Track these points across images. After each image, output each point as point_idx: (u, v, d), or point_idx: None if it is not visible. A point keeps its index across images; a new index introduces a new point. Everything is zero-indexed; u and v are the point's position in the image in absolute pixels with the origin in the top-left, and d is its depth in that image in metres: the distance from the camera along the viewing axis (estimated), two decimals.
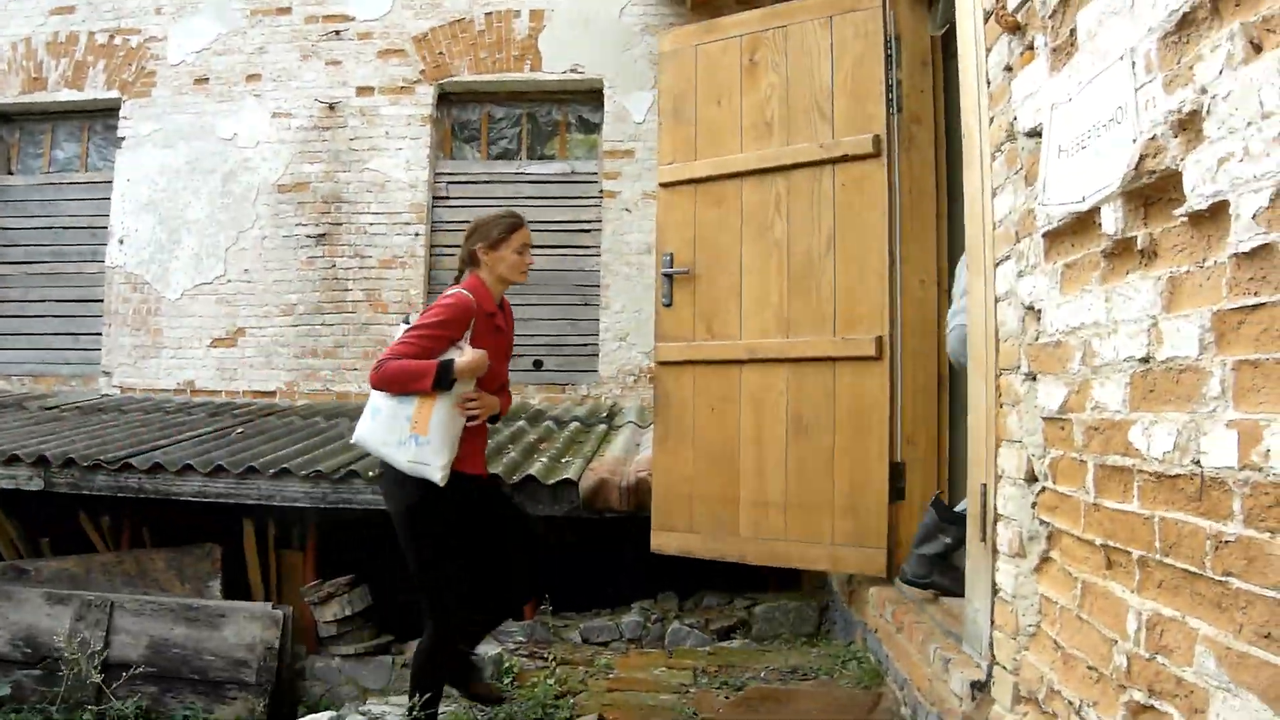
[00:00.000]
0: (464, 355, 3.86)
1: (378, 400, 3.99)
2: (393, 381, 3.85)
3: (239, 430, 8.11)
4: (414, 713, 3.92)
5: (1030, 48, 2.76)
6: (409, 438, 3.87)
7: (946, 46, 4.79)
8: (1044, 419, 2.64)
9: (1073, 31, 2.44)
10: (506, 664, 5.44)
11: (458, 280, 4.27)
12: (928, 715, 3.64)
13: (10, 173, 10.95)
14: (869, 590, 4.79)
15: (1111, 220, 2.19)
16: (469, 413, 3.96)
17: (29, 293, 10.66)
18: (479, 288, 4.11)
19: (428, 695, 4.01)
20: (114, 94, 10.40)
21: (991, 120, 3.15)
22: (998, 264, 3.07)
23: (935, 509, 4.19)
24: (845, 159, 4.87)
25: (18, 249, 10.71)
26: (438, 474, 3.83)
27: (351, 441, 4.28)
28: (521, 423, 8.07)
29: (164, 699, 6.65)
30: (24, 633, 7.13)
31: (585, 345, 9.27)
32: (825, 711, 4.31)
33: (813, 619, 6.16)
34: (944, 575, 4.14)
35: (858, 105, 4.88)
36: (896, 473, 4.68)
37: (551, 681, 4.99)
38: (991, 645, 3.08)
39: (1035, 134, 2.68)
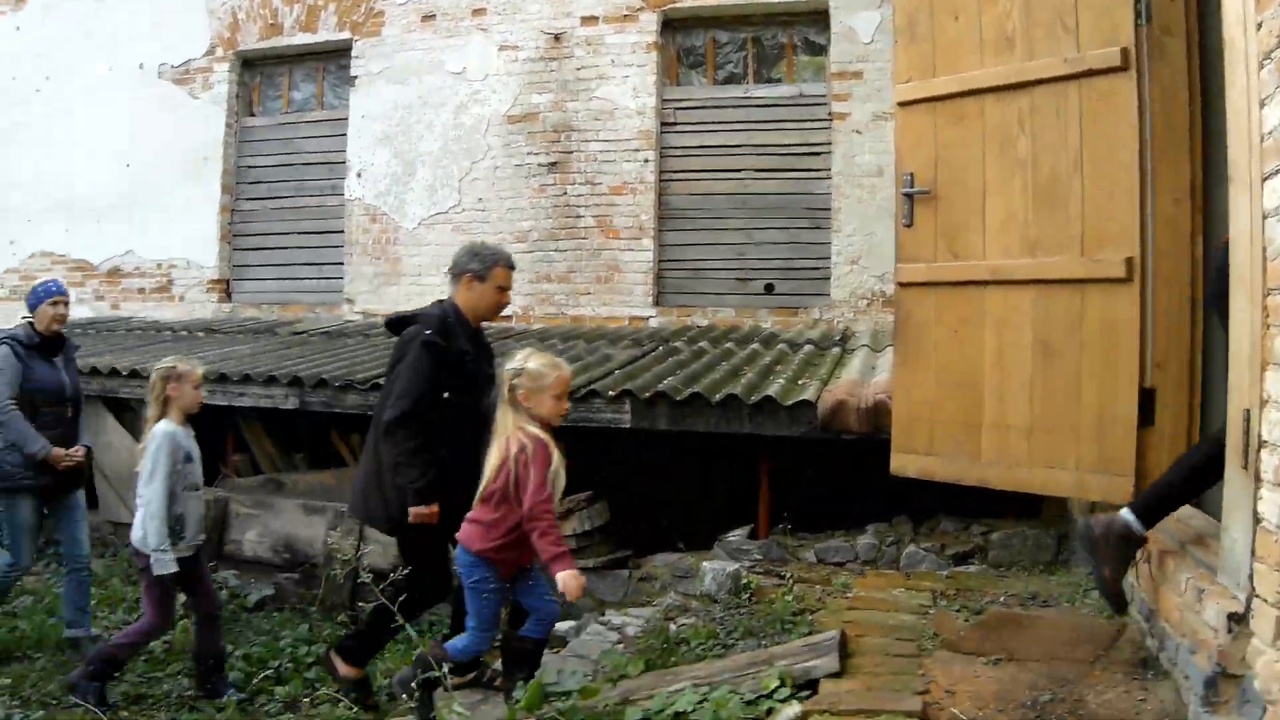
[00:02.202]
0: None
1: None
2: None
3: None
4: None
5: None
6: None
7: None
8: None
9: None
10: (744, 580, 5.55)
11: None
12: (1177, 647, 3.55)
13: (252, 114, 11.61)
14: None
15: None
16: None
17: (274, 226, 11.35)
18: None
19: None
20: (345, 35, 10.86)
21: (1259, 26, 2.99)
22: (1265, 179, 2.92)
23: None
24: (1091, 73, 4.66)
25: (262, 185, 11.39)
26: None
27: None
28: (755, 345, 8.13)
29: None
30: (283, 539, 7.67)
31: (816, 269, 9.24)
32: (1067, 638, 4.26)
33: (1051, 547, 6.05)
34: None
35: (1103, 16, 4.65)
36: (1146, 398, 4.52)
37: (789, 598, 5.07)
38: (1251, 577, 2.98)
39: None
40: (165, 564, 5.33)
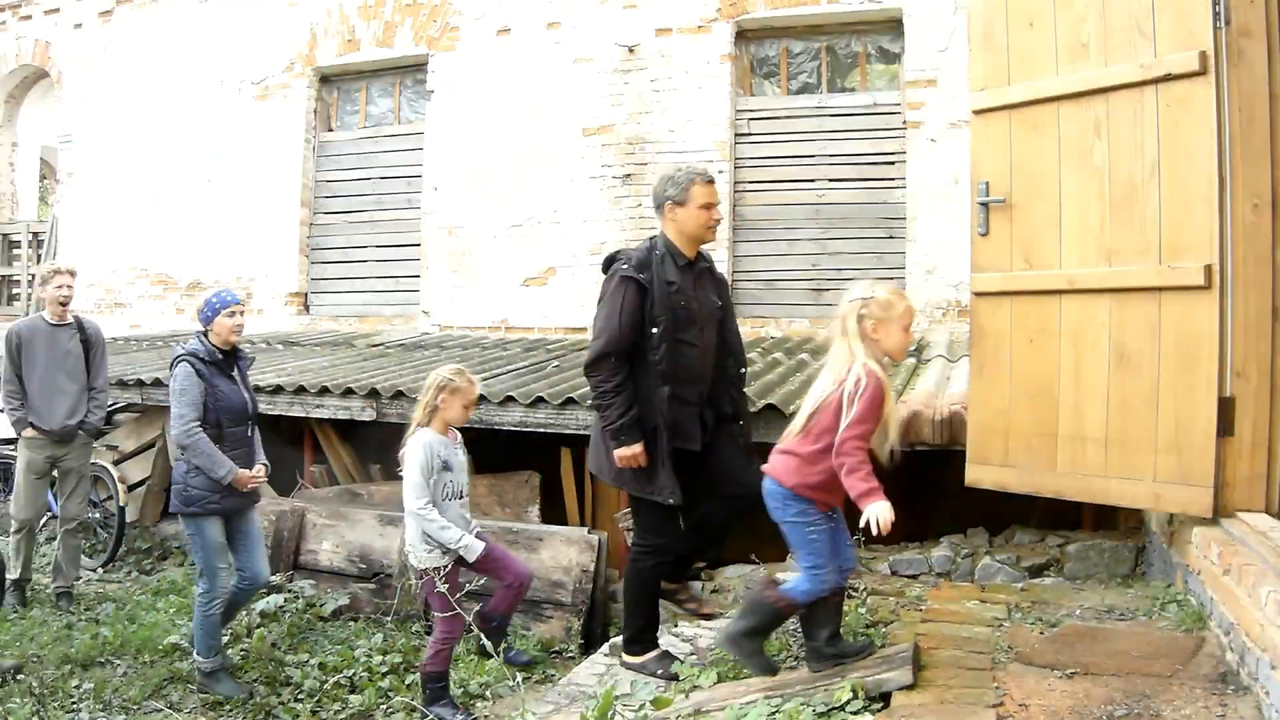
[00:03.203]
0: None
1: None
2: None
3: (554, 364, 8.49)
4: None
5: None
6: None
7: None
8: None
9: None
10: None
11: None
12: (1258, 661, 3.49)
13: (330, 129, 11.84)
14: (1192, 530, 4.59)
15: None
16: None
17: (352, 239, 11.58)
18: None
19: None
20: (422, 50, 11.06)
21: None
22: None
23: None
24: (1168, 78, 4.61)
25: (339, 200, 11.62)
26: None
27: None
28: None
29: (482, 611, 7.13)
30: (359, 550, 7.79)
31: (891, 278, 9.14)
32: (1144, 652, 4.19)
33: (1128, 559, 5.95)
34: None
35: (1180, 20, 4.59)
36: (1225, 408, 4.44)
37: (863, 610, 5.05)
38: None
39: None
40: (473, 549, 5.50)
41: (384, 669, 6.32)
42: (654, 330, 4.79)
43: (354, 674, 6.24)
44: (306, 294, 11.72)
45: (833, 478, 3.96)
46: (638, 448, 4.77)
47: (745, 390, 5.42)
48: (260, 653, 6.50)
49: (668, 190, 5.00)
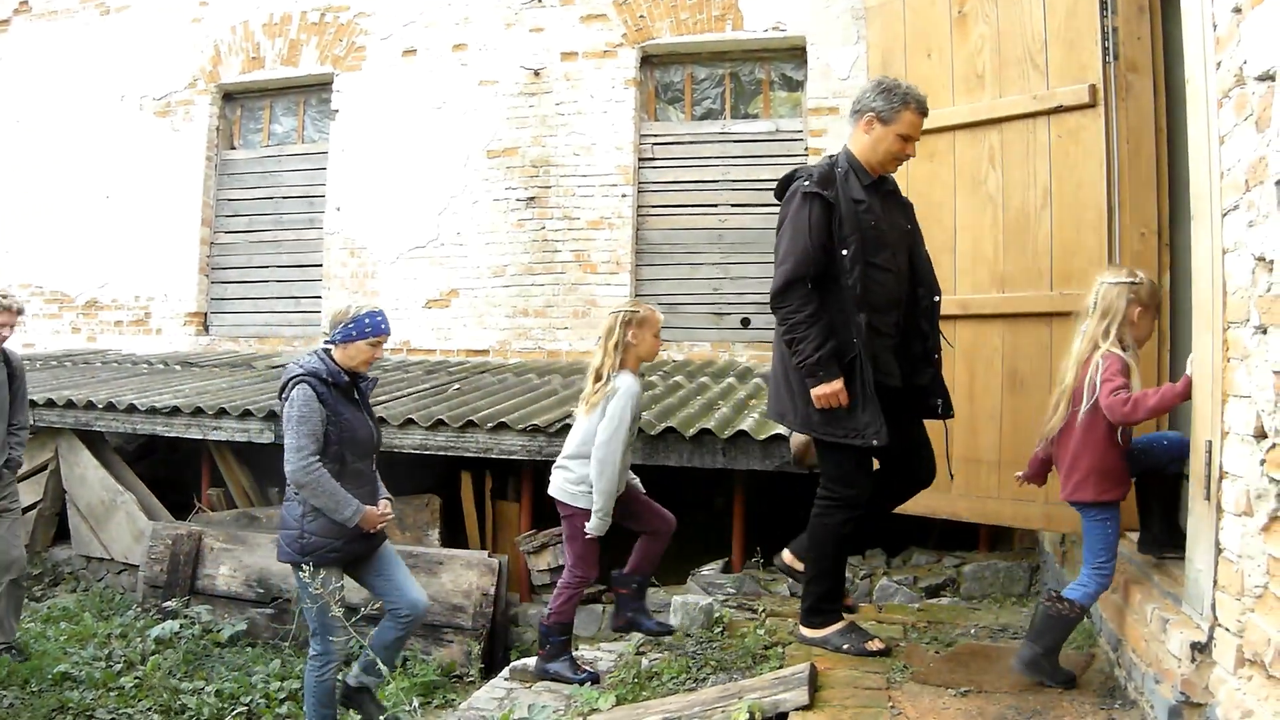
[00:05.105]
0: None
1: None
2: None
3: (456, 387, 8.43)
4: None
5: None
6: None
7: None
8: (1275, 372, 2.56)
9: None
10: (717, 614, 5.56)
11: None
12: (1143, 676, 3.57)
13: (233, 147, 11.64)
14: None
15: None
16: None
17: (253, 259, 11.38)
18: None
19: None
20: (327, 69, 10.94)
21: (1219, 65, 3.04)
22: (1225, 214, 2.97)
23: None
24: (1060, 110, 4.75)
25: (241, 219, 11.43)
26: None
27: None
28: (730, 380, 8.15)
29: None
30: (256, 575, 7.65)
31: None
32: None
33: (1023, 579, 6.08)
34: None
35: (1072, 55, 4.74)
36: None
37: (761, 632, 5.07)
38: (1214, 606, 3.01)
39: (1268, 77, 2.59)
40: (601, 527, 5.07)
41: (282, 695, 6.21)
42: (844, 252, 4.28)
43: (251, 701, 6.12)
44: (206, 314, 11.49)
45: (1116, 461, 3.87)
46: (838, 384, 4.22)
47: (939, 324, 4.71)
48: (155, 681, 6.33)
49: (876, 101, 4.43)
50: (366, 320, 5.04)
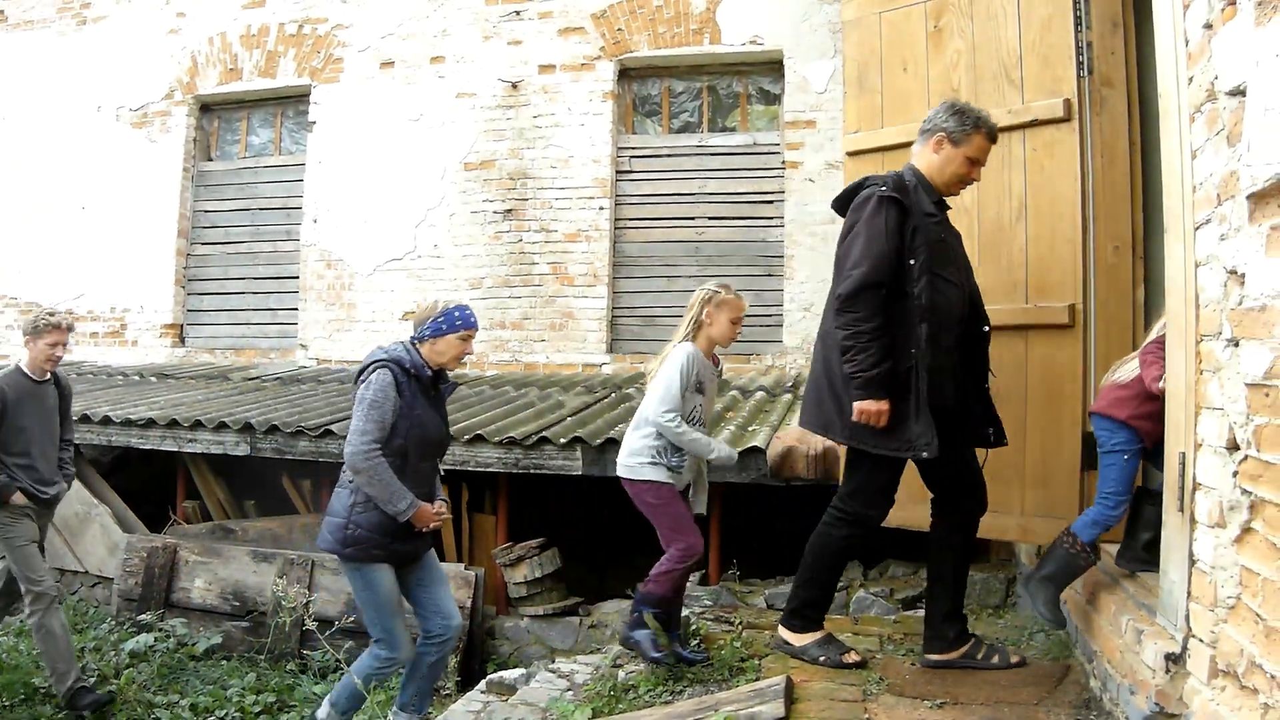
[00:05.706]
0: None
1: None
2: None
3: None
4: None
5: (1233, 2, 2.68)
6: None
7: (1138, 6, 4.66)
8: (1247, 385, 2.58)
9: None
10: (694, 626, 5.55)
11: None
12: (1118, 687, 3.59)
13: (210, 159, 11.61)
14: None
15: None
16: None
17: (229, 271, 11.33)
18: None
19: None
20: (305, 80, 10.92)
21: (1190, 80, 3.07)
22: (1198, 228, 2.99)
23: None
24: (1035, 124, 4.79)
25: (218, 230, 11.39)
26: None
27: None
28: None
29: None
30: (232, 587, 7.59)
31: (769, 316, 9.31)
32: (1012, 681, 4.28)
33: (999, 590, 6.09)
34: None
35: (1046, 69, 4.78)
36: (1089, 443, 4.58)
37: (738, 644, 5.06)
38: (1188, 617, 3.02)
39: (1239, 93, 2.61)
40: (727, 457, 4.96)
41: (257, 709, 6.17)
42: (911, 262, 4.20)
43: (226, 714, 6.08)
44: (182, 326, 11.43)
45: (1159, 410, 3.77)
46: (884, 404, 4.15)
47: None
48: (129, 695, 6.28)
49: (947, 121, 4.37)
50: (457, 314, 4.93)
